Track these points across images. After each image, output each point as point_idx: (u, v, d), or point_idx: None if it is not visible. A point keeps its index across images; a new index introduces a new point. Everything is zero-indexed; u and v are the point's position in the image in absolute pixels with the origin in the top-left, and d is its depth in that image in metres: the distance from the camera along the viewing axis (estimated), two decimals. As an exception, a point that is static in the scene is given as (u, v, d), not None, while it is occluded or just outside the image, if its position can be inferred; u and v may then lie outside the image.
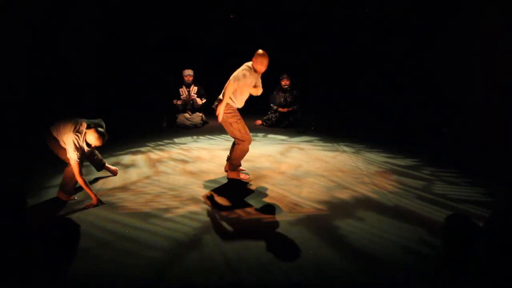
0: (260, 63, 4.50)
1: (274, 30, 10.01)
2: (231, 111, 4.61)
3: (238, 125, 4.60)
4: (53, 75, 7.74)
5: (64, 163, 4.20)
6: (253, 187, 4.55)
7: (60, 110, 7.68)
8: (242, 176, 4.83)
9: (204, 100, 8.05)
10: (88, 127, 4.06)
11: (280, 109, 7.94)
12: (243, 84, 4.51)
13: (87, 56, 8.95)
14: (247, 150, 4.72)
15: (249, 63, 4.58)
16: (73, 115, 4.25)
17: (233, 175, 4.81)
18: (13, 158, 5.61)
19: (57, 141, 4.10)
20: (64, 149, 4.08)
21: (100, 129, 4.06)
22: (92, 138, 4.02)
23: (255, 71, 4.56)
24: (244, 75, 4.47)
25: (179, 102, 7.93)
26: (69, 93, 8.11)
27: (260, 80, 4.72)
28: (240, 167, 4.96)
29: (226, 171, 4.99)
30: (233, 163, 4.78)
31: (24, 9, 7.01)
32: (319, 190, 4.42)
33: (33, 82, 7.23)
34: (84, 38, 8.81)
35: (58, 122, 4.15)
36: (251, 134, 4.85)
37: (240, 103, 4.68)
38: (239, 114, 4.67)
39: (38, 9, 7.42)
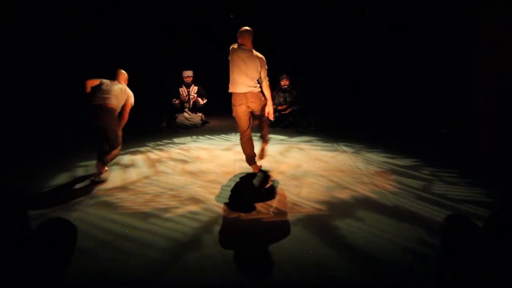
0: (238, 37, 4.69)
1: (274, 30, 10.02)
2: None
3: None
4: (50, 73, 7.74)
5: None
6: (252, 187, 4.55)
7: (58, 108, 7.69)
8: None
9: (205, 100, 8.05)
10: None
11: (279, 108, 7.94)
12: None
13: (86, 54, 8.95)
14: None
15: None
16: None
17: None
18: (13, 157, 5.61)
19: (111, 112, 4.73)
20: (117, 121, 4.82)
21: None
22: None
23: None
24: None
25: (177, 101, 7.94)
26: (68, 92, 8.11)
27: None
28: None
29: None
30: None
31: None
32: (319, 190, 4.42)
33: (31, 80, 7.23)
34: (83, 36, 8.81)
35: (100, 95, 4.72)
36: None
37: (232, 86, 4.74)
38: (234, 102, 4.74)
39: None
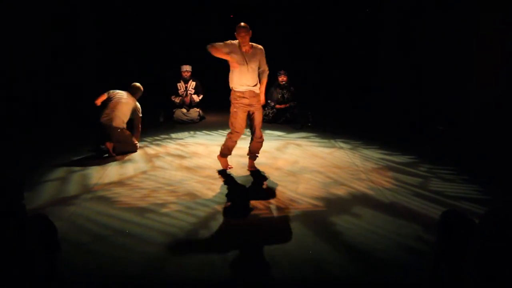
0: (237, 34, 4.49)
1: (273, 28, 10.00)
2: (233, 97, 4.62)
3: (231, 116, 4.65)
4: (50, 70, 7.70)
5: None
6: (249, 183, 4.56)
7: (57, 107, 7.66)
8: (227, 166, 4.94)
9: (201, 97, 8.04)
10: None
11: (277, 106, 7.93)
12: (231, 61, 4.49)
13: (84, 51, 8.90)
14: (230, 144, 4.74)
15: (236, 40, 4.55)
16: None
17: (220, 159, 4.93)
18: (14, 151, 5.60)
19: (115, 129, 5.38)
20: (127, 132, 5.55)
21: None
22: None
23: (240, 46, 4.52)
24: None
25: (177, 100, 7.92)
26: (67, 90, 8.08)
27: (257, 58, 4.58)
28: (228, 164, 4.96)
29: (249, 169, 4.94)
30: (221, 150, 4.85)
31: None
32: (316, 186, 4.43)
33: (29, 77, 7.19)
34: (82, 33, 8.76)
35: (107, 112, 5.40)
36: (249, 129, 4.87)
37: (237, 84, 4.56)
38: (240, 102, 4.57)
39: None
